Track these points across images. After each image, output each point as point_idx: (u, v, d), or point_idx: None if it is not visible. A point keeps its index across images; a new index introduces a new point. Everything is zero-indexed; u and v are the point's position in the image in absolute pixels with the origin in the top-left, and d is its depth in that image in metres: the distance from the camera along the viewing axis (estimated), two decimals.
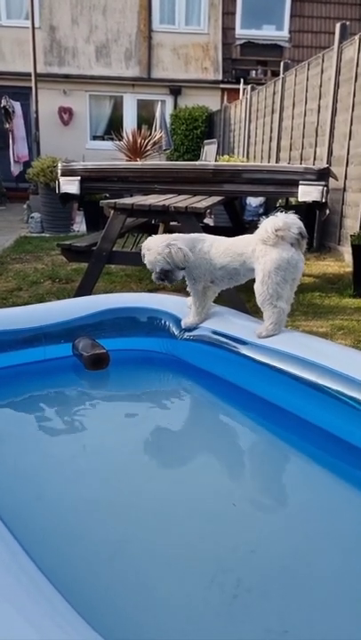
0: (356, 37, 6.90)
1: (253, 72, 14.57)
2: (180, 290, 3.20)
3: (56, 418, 2.53)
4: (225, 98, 14.71)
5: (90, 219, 9.15)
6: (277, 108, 9.93)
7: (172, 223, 5.18)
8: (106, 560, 1.59)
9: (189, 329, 2.79)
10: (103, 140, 14.49)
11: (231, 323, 2.73)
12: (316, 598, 1.48)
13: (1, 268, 6.36)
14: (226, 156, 9.65)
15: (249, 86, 12.01)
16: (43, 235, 9.06)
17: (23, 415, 2.53)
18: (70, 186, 4.91)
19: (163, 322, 2.93)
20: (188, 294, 2.80)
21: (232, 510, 1.86)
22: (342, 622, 1.42)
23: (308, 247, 7.40)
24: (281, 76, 9.89)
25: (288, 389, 2.33)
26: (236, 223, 6.59)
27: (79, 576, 1.51)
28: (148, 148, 9.51)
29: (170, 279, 2.59)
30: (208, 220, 7.93)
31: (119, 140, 10.00)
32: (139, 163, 7.69)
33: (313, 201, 4.75)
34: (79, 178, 4.90)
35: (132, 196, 5.75)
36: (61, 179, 4.94)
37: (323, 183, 4.68)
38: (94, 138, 15.10)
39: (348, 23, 7.59)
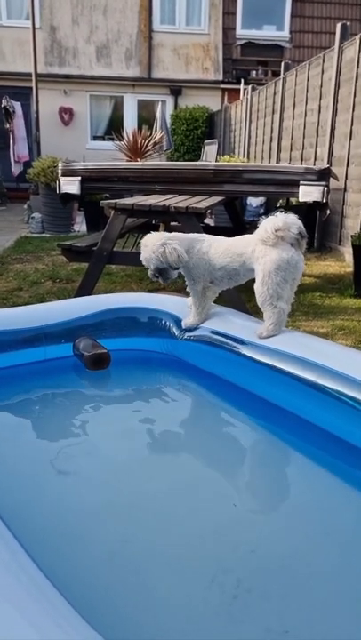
0: (357, 37, 6.90)
1: (254, 72, 14.57)
2: (181, 290, 3.20)
3: (56, 418, 2.53)
4: (225, 98, 14.71)
5: (90, 219, 9.15)
6: (278, 109, 9.93)
7: (172, 223, 5.17)
8: (106, 560, 1.59)
9: (190, 329, 2.79)
10: (104, 140, 14.49)
11: (232, 323, 2.73)
12: (316, 598, 1.48)
13: (1, 268, 6.37)
14: (226, 157, 9.65)
15: (249, 86, 12.01)
16: (43, 235, 9.06)
17: (24, 415, 2.53)
18: (71, 186, 4.91)
19: (163, 322, 2.94)
20: (188, 294, 2.80)
21: (232, 510, 1.86)
22: (342, 622, 1.42)
23: (309, 247, 7.41)
24: (281, 76, 9.89)
25: (288, 389, 2.33)
26: (237, 223, 6.59)
27: (79, 576, 1.51)
28: (149, 148, 9.51)
29: (164, 278, 2.60)
30: (209, 221, 7.93)
31: (120, 140, 10.00)
32: (139, 163, 7.69)
33: (314, 201, 4.75)
34: (80, 178, 4.90)
35: (132, 196, 5.75)
36: (62, 179, 4.94)
37: (323, 183, 4.68)
38: (95, 138, 15.10)
39: (348, 23, 7.59)
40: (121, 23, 14.62)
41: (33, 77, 11.52)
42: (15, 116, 11.67)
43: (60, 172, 4.98)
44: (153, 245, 2.53)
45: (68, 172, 4.94)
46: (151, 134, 10.01)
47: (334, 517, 1.87)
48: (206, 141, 11.15)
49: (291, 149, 9.35)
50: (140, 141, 9.42)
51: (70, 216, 9.53)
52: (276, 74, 12.00)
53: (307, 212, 6.65)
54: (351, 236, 5.62)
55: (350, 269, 5.86)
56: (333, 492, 2.04)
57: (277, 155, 9.96)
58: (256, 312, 2.86)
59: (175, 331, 2.86)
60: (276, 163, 9.78)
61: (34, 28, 11.33)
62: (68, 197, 5.12)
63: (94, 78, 14.70)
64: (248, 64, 14.69)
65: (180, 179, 5.01)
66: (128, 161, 8.99)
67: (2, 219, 10.95)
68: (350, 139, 7.05)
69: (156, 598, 1.46)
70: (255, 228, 2.51)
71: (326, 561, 1.65)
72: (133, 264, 5.06)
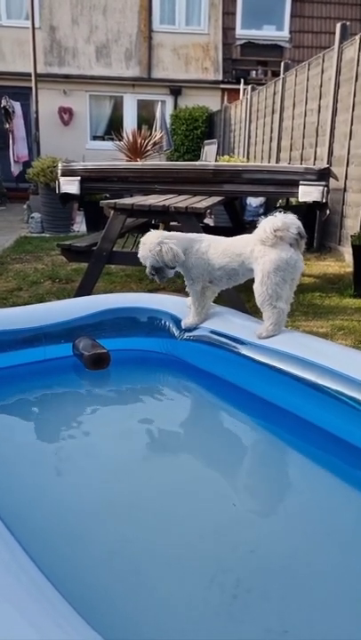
0: (357, 37, 6.90)
1: (254, 72, 14.57)
2: (180, 290, 3.20)
3: (56, 418, 2.53)
4: (225, 98, 14.71)
5: (90, 219, 9.15)
6: (278, 109, 9.93)
7: (172, 223, 5.17)
8: (106, 560, 1.59)
9: (189, 329, 2.79)
10: (103, 140, 14.49)
11: (231, 323, 2.73)
12: (316, 598, 1.48)
13: (1, 268, 6.36)
14: (226, 157, 9.65)
15: (249, 86, 12.01)
16: (43, 235, 9.06)
17: (23, 415, 2.53)
18: (70, 186, 4.91)
19: (163, 322, 2.94)
20: (187, 294, 2.80)
21: (232, 510, 1.86)
22: (342, 622, 1.42)
23: (309, 247, 7.42)
24: (281, 76, 9.89)
25: (288, 389, 2.33)
26: (237, 223, 6.59)
27: (79, 576, 1.51)
28: (149, 148, 9.51)
29: (159, 276, 2.61)
30: (208, 221, 7.93)
31: (119, 140, 10.00)
32: (139, 163, 7.69)
33: (313, 201, 4.75)
34: (79, 178, 4.89)
35: (132, 196, 5.75)
36: (61, 179, 4.94)
37: (323, 183, 4.68)
38: (94, 138, 15.10)
39: (348, 23, 7.59)
40: (121, 23, 14.62)
41: (32, 77, 11.51)
42: (15, 116, 11.66)
43: (59, 171, 4.98)
44: (150, 244, 2.55)
45: (68, 172, 4.94)
46: (151, 134, 10.01)
47: (334, 517, 1.87)
48: (206, 141, 11.16)
49: (290, 149, 9.35)
50: (139, 141, 9.42)
51: (70, 216, 9.53)
52: (275, 74, 12.00)
53: (306, 212, 6.64)
54: (351, 235, 5.62)
55: (350, 269, 5.86)
56: (333, 492, 2.04)
57: (277, 155, 9.96)
58: (256, 312, 2.86)
59: (175, 331, 2.87)
60: (276, 163, 9.78)
61: (33, 27, 11.33)
62: (67, 197, 5.12)
63: (94, 78, 14.70)
64: (248, 64, 14.69)
65: (179, 179, 5.01)
66: (128, 161, 9.00)
67: (1, 219, 10.94)
68: (350, 138, 7.05)
69: (156, 598, 1.46)
70: (255, 227, 2.51)
71: (326, 561, 1.65)
72: (133, 264, 5.05)
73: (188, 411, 2.80)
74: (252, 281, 2.54)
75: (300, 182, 4.70)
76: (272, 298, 2.43)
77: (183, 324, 2.81)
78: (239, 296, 4.13)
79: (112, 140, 11.13)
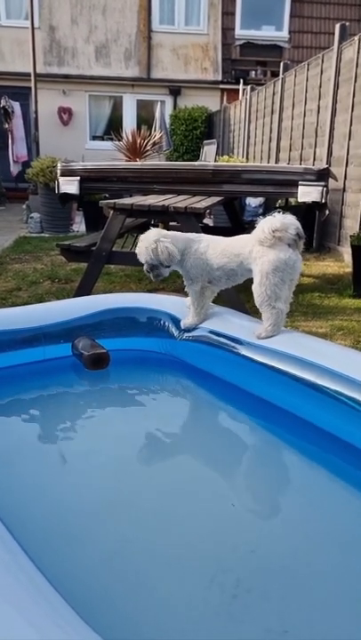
0: (356, 38, 6.91)
1: (253, 72, 14.57)
2: (180, 290, 3.20)
3: (55, 418, 2.52)
4: (224, 98, 14.71)
5: (89, 219, 9.15)
6: (277, 109, 9.93)
7: (171, 223, 5.17)
8: (106, 560, 1.59)
9: (189, 329, 2.79)
10: (103, 140, 14.48)
11: (230, 323, 2.73)
12: (316, 598, 1.48)
13: (0, 268, 6.36)
14: (225, 157, 9.65)
15: (248, 87, 12.01)
16: (42, 235, 9.06)
17: (22, 415, 2.53)
18: (70, 186, 4.90)
19: (162, 322, 2.94)
20: (186, 295, 2.80)
21: (232, 510, 1.86)
22: (342, 622, 1.42)
23: (308, 247, 7.43)
24: (281, 76, 9.89)
25: (287, 390, 2.33)
26: (236, 223, 6.59)
27: (79, 576, 1.50)
28: (148, 148, 9.50)
29: (154, 274, 2.61)
30: (208, 221, 7.93)
31: (119, 140, 9.99)
32: (138, 163, 7.69)
33: (312, 201, 4.75)
34: (79, 178, 4.89)
35: (131, 196, 5.75)
36: (61, 179, 4.93)
37: (322, 184, 4.68)
38: (94, 138, 15.09)
39: (347, 24, 7.59)
40: (120, 23, 14.62)
41: (32, 77, 11.51)
42: (14, 116, 11.66)
43: (58, 171, 4.98)
44: (147, 241, 2.57)
45: (67, 172, 4.94)
46: (150, 134, 10.00)
47: (334, 517, 1.87)
48: (205, 141, 11.14)
49: (290, 150, 9.36)
50: (139, 141, 9.41)
51: (69, 216, 9.52)
52: (275, 74, 12.00)
53: (306, 213, 6.65)
54: (350, 236, 5.63)
55: (349, 269, 5.86)
56: (333, 492, 2.04)
57: (276, 155, 9.96)
58: (255, 312, 2.86)
59: (174, 331, 2.87)
60: (275, 163, 9.79)
61: (33, 27, 11.33)
62: (66, 197, 5.12)
63: (93, 78, 14.69)
64: (247, 64, 14.69)
65: (179, 179, 5.01)
66: (127, 161, 8.98)
67: (1, 219, 10.94)
68: (349, 139, 7.06)
69: (156, 598, 1.46)
70: (254, 228, 2.51)
71: (326, 561, 1.65)
72: (132, 264, 5.04)
73: (188, 411, 2.80)
74: (251, 281, 2.55)
75: (300, 182, 4.70)
76: (271, 298, 2.43)
77: (182, 325, 2.81)
78: (239, 296, 4.13)
79: (111, 140, 11.12)
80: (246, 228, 6.05)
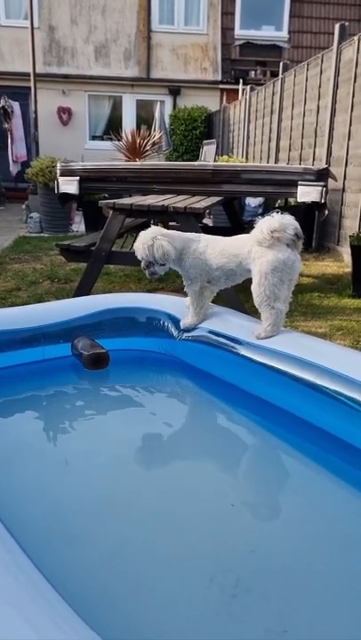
0: (356, 38, 6.91)
1: (252, 72, 14.57)
2: (179, 290, 3.20)
3: (55, 418, 2.52)
4: (224, 98, 14.71)
5: (89, 219, 9.15)
6: (276, 109, 9.93)
7: (170, 223, 5.17)
8: (106, 560, 1.59)
9: (188, 329, 2.79)
10: (102, 140, 14.47)
11: (230, 323, 2.73)
12: (316, 598, 1.48)
13: (0, 267, 6.36)
14: (225, 157, 9.65)
15: (248, 87, 12.01)
16: (41, 235, 9.05)
17: (22, 415, 2.53)
18: (69, 186, 4.90)
19: (161, 322, 2.94)
20: (186, 295, 2.80)
21: (232, 510, 1.86)
22: (342, 622, 1.42)
23: (307, 247, 7.43)
24: (280, 76, 9.90)
25: (287, 390, 2.33)
26: (235, 223, 6.59)
27: (78, 576, 1.50)
28: (148, 148, 9.49)
29: (149, 271, 2.62)
30: (207, 221, 7.93)
31: (118, 140, 9.98)
32: (138, 163, 7.69)
33: (312, 201, 4.75)
34: (78, 178, 4.89)
35: (130, 196, 5.75)
36: (60, 179, 4.93)
37: (322, 184, 4.68)
38: (93, 138, 15.09)
39: (347, 24, 7.59)
40: (120, 23, 14.61)
41: (31, 77, 11.50)
42: (13, 116, 11.65)
43: (58, 171, 4.98)
44: (144, 238, 2.59)
45: (67, 172, 4.94)
46: (150, 134, 10.00)
47: (334, 517, 1.87)
48: (205, 141, 11.13)
49: (289, 150, 9.36)
50: (138, 141, 9.40)
51: (69, 216, 9.52)
52: (274, 74, 12.00)
53: (305, 213, 6.65)
54: (350, 236, 5.63)
55: (348, 269, 5.86)
56: (333, 492, 2.04)
57: (276, 155, 9.96)
58: (254, 312, 2.86)
59: (173, 331, 2.87)
60: (275, 163, 9.79)
61: (32, 27, 11.32)
62: (66, 197, 5.12)
63: (93, 78, 14.69)
64: (247, 64, 14.69)
65: (178, 179, 5.01)
66: (127, 161, 8.98)
67: (0, 219, 10.93)
68: (349, 139, 7.06)
69: (156, 598, 1.46)
70: (253, 228, 2.51)
71: (326, 561, 1.65)
72: (132, 264, 5.05)
73: (187, 411, 2.80)
74: (250, 281, 2.55)
75: (299, 182, 4.70)
76: (270, 299, 2.44)
77: (182, 325, 2.81)
78: (238, 296, 4.13)
79: (111, 139, 11.10)
80: (246, 228, 6.04)
